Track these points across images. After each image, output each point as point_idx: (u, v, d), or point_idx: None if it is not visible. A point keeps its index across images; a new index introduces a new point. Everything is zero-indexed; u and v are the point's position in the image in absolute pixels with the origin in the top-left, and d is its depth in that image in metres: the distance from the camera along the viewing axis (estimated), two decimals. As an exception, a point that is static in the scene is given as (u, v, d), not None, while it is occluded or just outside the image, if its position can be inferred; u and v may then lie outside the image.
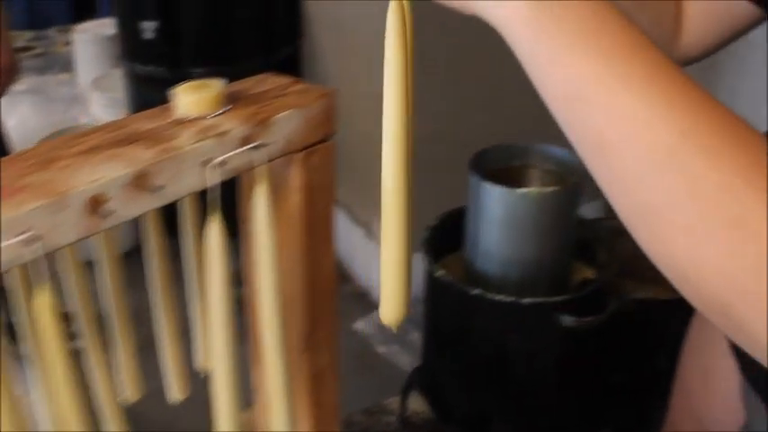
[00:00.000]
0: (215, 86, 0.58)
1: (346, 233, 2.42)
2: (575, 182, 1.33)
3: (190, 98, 0.56)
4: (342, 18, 2.24)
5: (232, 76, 0.63)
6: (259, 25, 2.32)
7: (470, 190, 1.33)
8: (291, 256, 0.65)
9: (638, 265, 1.69)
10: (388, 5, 0.50)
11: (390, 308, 0.60)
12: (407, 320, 0.62)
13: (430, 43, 1.79)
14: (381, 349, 2.20)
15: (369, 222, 2.34)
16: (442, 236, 1.46)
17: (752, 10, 0.71)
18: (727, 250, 0.39)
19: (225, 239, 0.58)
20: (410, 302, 0.60)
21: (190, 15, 2.25)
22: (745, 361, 0.83)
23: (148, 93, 2.26)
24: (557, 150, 1.37)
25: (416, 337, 1.86)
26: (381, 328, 2.28)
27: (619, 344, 1.44)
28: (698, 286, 0.42)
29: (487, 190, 1.28)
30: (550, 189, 1.27)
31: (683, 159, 0.40)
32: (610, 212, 0.49)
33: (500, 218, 1.29)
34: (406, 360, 2.07)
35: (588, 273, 1.46)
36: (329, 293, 0.69)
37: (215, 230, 0.57)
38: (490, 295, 1.27)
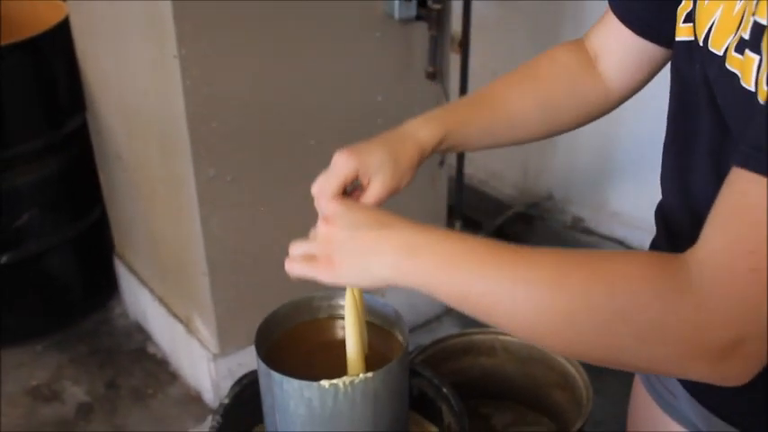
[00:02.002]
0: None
1: (168, 330, 2.09)
2: (401, 344, 1.02)
3: None
4: (123, 92, 1.89)
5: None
6: (37, 102, 2.05)
7: (260, 374, 0.99)
8: None
9: (487, 383, 1.46)
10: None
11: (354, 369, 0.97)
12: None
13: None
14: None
15: (188, 318, 1.99)
16: (240, 411, 1.12)
17: (663, 50, 0.87)
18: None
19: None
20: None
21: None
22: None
23: None
24: (369, 298, 1.05)
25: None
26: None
27: None
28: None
29: (283, 385, 0.95)
30: (370, 375, 0.94)
31: (522, 296, 0.64)
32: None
33: (304, 416, 0.96)
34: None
35: (432, 429, 1.17)
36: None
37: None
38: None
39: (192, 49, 1.58)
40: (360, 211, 0.81)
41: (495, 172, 2.61)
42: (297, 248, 0.83)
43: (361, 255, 0.74)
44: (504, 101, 0.95)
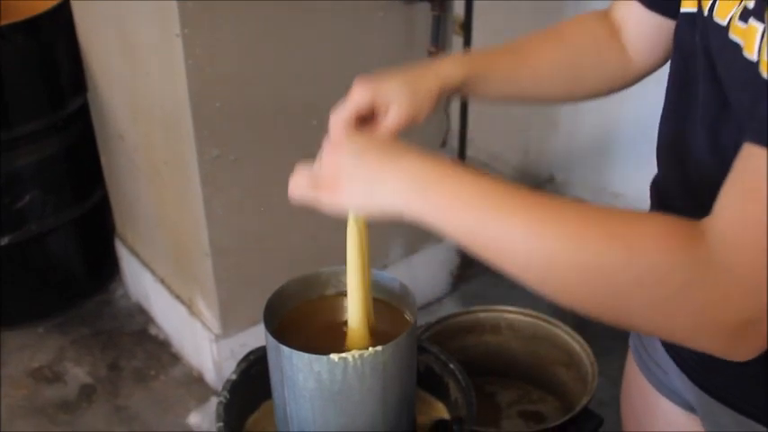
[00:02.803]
0: None
1: (170, 311, 2.10)
2: (409, 320, 1.02)
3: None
4: (125, 72, 1.88)
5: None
6: (38, 82, 2.04)
7: (269, 349, 0.99)
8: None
9: (492, 361, 1.46)
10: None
11: (356, 341, 0.97)
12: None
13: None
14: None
15: (191, 299, 1.99)
16: (248, 386, 1.13)
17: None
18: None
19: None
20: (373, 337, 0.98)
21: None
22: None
23: None
24: (375, 273, 1.05)
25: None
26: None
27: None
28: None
29: (292, 359, 0.95)
30: (380, 348, 0.94)
31: (536, 245, 0.62)
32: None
33: (313, 390, 0.96)
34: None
35: (440, 409, 1.17)
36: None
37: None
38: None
39: (195, 28, 1.57)
40: (368, 138, 0.79)
41: (496, 154, 2.61)
42: (301, 173, 0.79)
43: (367, 181, 0.72)
44: (533, 54, 0.94)
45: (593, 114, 2.30)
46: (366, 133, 0.83)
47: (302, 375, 0.96)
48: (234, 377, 1.12)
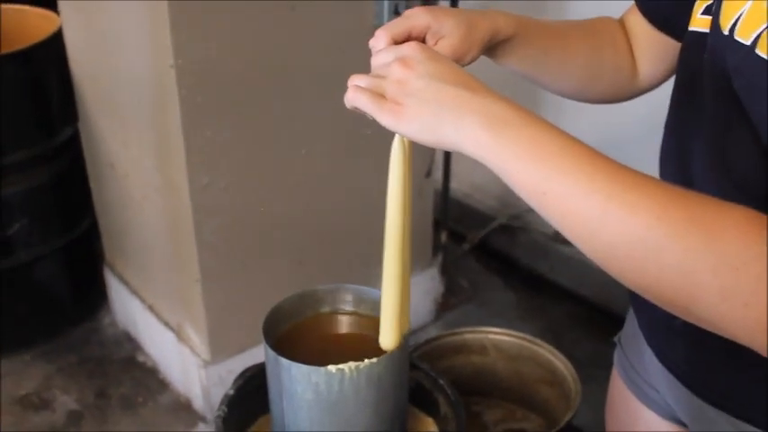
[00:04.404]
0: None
1: (159, 338, 2.11)
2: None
3: None
4: (118, 102, 1.92)
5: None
6: (30, 112, 2.09)
7: (267, 361, 1.03)
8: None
9: (478, 381, 1.50)
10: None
11: (388, 336, 0.96)
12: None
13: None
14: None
15: (180, 326, 2.02)
16: (244, 401, 1.16)
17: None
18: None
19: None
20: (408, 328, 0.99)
21: None
22: (636, 305, 0.98)
23: None
24: (369, 291, 1.10)
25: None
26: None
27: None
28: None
29: (291, 370, 0.98)
30: (375, 360, 0.98)
31: (614, 213, 0.59)
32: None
33: (311, 401, 1.00)
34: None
35: (430, 424, 1.20)
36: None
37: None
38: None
39: (188, 59, 1.62)
40: (444, 61, 0.71)
41: (478, 185, 2.67)
42: (362, 80, 0.74)
43: (436, 108, 0.67)
44: (571, 39, 0.94)
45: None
46: (438, 53, 0.74)
47: (300, 387, 0.99)
48: (231, 392, 1.15)
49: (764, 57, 0.64)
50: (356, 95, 0.72)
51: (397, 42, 0.78)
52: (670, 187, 0.61)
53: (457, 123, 0.66)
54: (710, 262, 0.57)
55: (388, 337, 0.97)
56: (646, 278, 0.60)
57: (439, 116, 0.67)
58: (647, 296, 0.62)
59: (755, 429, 0.81)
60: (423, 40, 0.80)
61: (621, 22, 0.97)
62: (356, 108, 0.73)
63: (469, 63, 0.83)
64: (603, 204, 0.59)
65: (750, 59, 0.65)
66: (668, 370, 0.91)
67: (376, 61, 0.76)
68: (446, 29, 0.80)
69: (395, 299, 0.93)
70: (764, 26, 0.65)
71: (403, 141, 0.81)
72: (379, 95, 0.71)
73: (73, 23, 1.99)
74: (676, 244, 0.58)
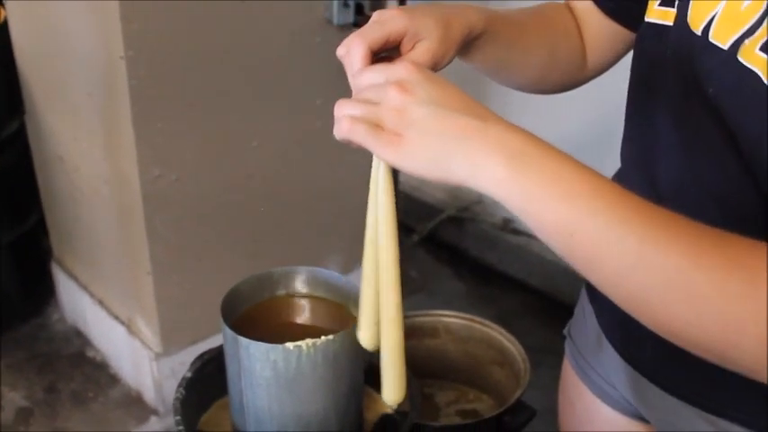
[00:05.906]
0: None
1: (109, 332, 2.10)
2: (354, 314, 1.08)
3: None
4: (67, 94, 1.91)
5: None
6: None
7: (226, 342, 1.05)
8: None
9: (430, 363, 1.53)
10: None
11: (391, 392, 0.84)
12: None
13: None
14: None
15: (130, 319, 2.01)
16: (201, 385, 1.17)
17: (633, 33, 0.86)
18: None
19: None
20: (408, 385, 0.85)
21: None
22: (598, 306, 0.97)
23: None
24: (326, 273, 1.12)
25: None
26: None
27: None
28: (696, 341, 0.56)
29: (249, 349, 1.00)
30: (331, 337, 1.01)
31: (649, 258, 0.54)
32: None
33: (269, 378, 1.02)
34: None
35: (385, 405, 1.23)
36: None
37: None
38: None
39: (139, 50, 1.62)
40: (445, 84, 0.63)
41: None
42: (355, 108, 0.64)
43: (443, 141, 0.59)
44: (526, 29, 0.88)
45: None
46: (439, 76, 0.66)
47: (259, 365, 1.01)
48: (189, 375, 1.16)
49: (748, 65, 0.61)
50: (353, 128, 0.63)
51: (374, 51, 0.70)
52: (702, 227, 0.56)
53: (469, 157, 0.58)
54: (753, 310, 0.52)
55: (391, 394, 0.86)
56: (683, 325, 0.55)
57: (446, 149, 0.59)
58: (677, 342, 0.57)
59: (733, 425, 0.79)
60: (398, 46, 0.72)
61: (570, 8, 0.93)
62: (348, 141, 0.64)
63: (445, 66, 0.75)
64: (637, 248, 0.54)
65: (730, 66, 0.63)
66: (635, 369, 0.89)
67: (361, 82, 0.68)
68: (424, 31, 0.71)
69: (399, 360, 0.84)
70: (743, 30, 0.62)
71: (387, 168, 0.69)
72: (376, 125, 0.62)
73: (18, 15, 1.97)
74: (715, 291, 0.53)
